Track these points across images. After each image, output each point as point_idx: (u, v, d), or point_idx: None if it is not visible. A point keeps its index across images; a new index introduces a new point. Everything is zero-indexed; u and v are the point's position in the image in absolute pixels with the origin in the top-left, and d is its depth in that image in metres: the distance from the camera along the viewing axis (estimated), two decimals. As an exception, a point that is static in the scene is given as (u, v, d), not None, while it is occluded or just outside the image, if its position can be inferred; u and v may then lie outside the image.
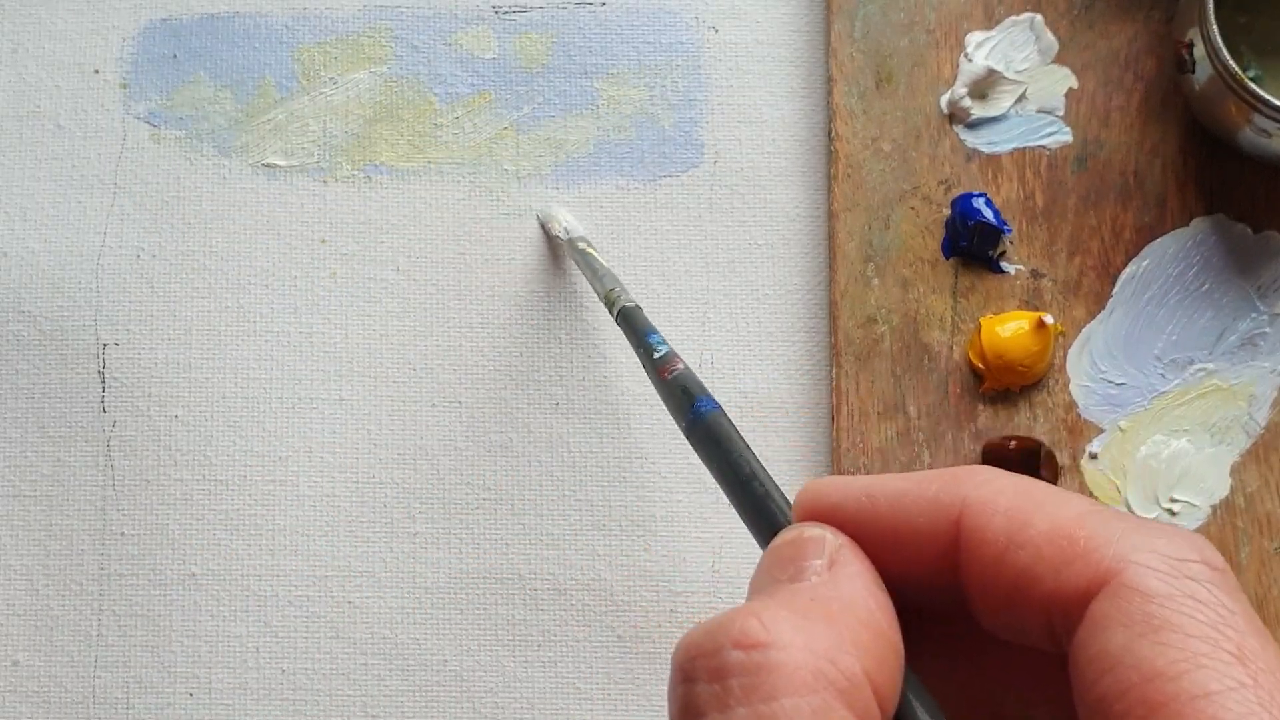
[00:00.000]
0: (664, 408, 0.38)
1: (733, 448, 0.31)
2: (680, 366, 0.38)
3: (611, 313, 0.47)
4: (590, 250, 0.53)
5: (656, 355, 0.40)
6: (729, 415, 0.33)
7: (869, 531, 0.24)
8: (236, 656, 0.54)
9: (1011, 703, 0.25)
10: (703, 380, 0.37)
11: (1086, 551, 0.22)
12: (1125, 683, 0.20)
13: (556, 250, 0.56)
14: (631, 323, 0.45)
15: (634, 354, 0.55)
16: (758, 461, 0.30)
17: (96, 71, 0.58)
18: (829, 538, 0.23)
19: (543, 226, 0.56)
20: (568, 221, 0.55)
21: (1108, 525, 0.22)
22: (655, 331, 0.43)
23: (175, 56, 0.58)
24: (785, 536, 0.24)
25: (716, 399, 0.34)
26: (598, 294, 0.49)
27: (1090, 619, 0.21)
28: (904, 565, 0.23)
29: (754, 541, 0.27)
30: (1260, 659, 0.20)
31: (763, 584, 0.23)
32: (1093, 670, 0.21)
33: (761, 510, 0.27)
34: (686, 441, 0.34)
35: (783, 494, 0.28)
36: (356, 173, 0.57)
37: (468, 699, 0.53)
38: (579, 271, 0.56)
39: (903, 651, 0.22)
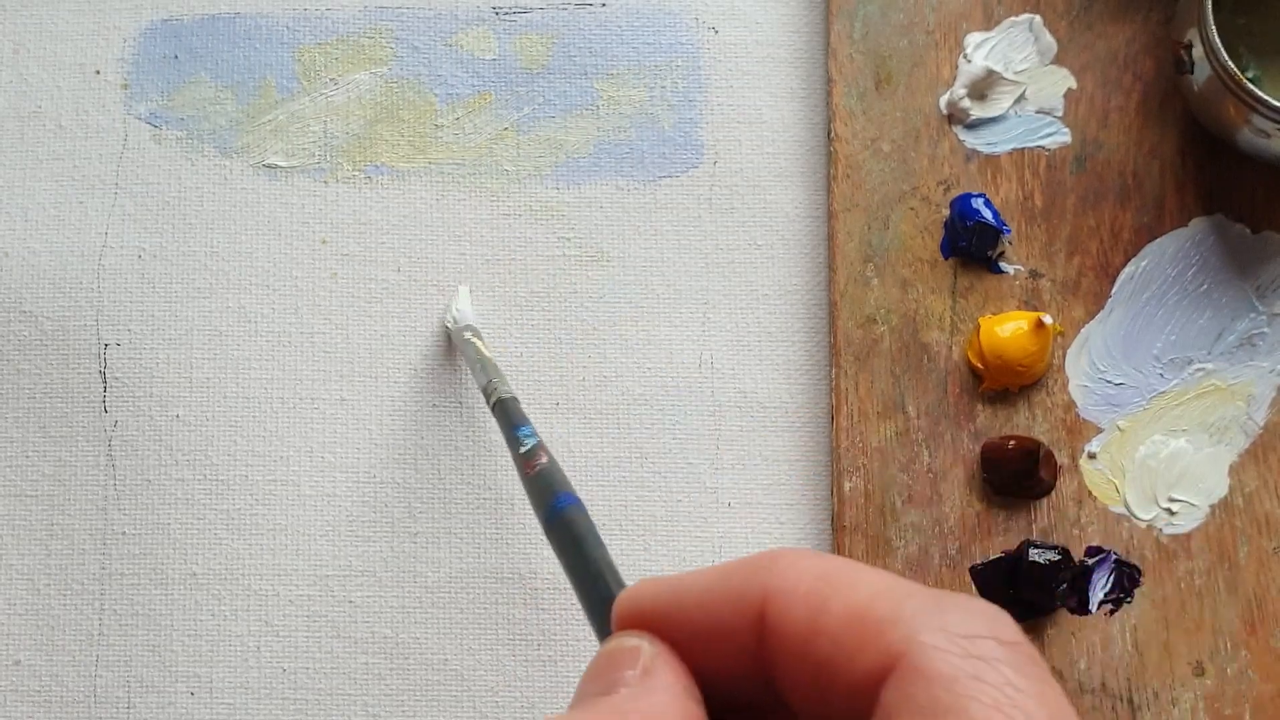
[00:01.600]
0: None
1: (584, 545, 0.32)
2: (543, 460, 0.41)
3: (488, 403, 0.49)
4: (476, 340, 0.53)
5: (522, 450, 0.43)
6: (587, 512, 0.35)
7: (681, 632, 0.23)
8: (237, 655, 0.54)
9: None
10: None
11: (877, 634, 0.21)
12: None
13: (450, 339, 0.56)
14: (506, 415, 0.47)
15: (634, 356, 0.56)
16: (607, 561, 0.30)
17: (98, 72, 0.58)
18: (645, 647, 0.23)
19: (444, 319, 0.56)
20: (458, 310, 0.55)
21: (900, 603, 0.21)
22: (526, 424, 0.45)
23: (176, 57, 0.58)
24: (604, 648, 0.24)
25: (577, 495, 0.36)
26: (478, 384, 0.51)
27: (881, 706, 0.21)
28: (719, 661, 0.23)
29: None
30: None
31: (577, 698, 0.23)
32: None
33: (602, 610, 0.28)
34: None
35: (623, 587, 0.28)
36: (357, 173, 0.57)
37: (468, 698, 0.53)
38: (582, 270, 0.56)
39: None
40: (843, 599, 0.22)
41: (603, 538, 0.33)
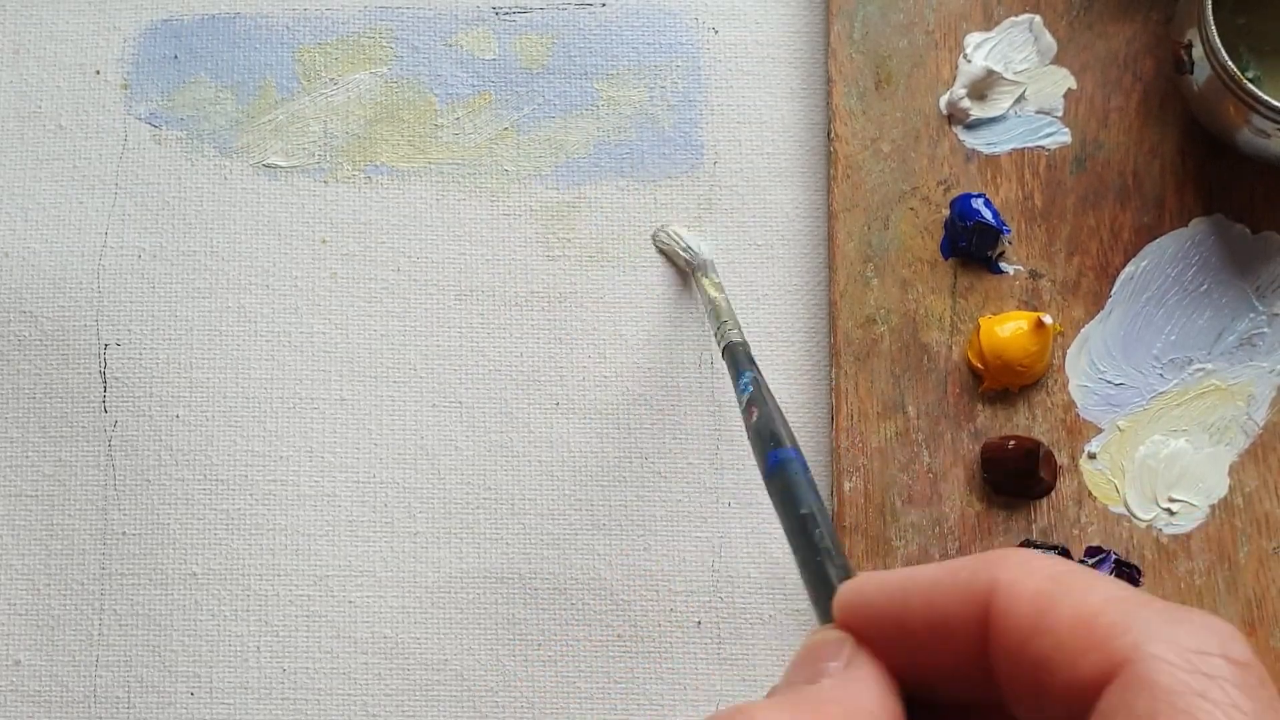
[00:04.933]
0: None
1: (794, 510, 0.32)
2: (756, 413, 0.39)
3: (719, 346, 0.48)
4: (705, 279, 0.53)
5: (742, 398, 0.41)
6: (800, 469, 0.34)
7: (905, 624, 0.23)
8: (237, 655, 0.54)
9: None
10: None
11: (1105, 640, 0.21)
12: None
13: (683, 275, 0.56)
14: (733, 360, 0.46)
15: (634, 356, 0.56)
16: (821, 536, 0.30)
17: (98, 72, 0.58)
18: (849, 641, 0.24)
19: (661, 251, 0.56)
20: (691, 246, 0.55)
21: (1131, 613, 0.21)
22: (749, 371, 0.43)
23: (176, 57, 0.58)
24: (809, 640, 0.24)
25: (794, 448, 0.35)
26: (710, 328, 0.50)
27: (1100, 711, 0.21)
28: (941, 656, 0.23)
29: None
30: None
31: (783, 684, 0.24)
32: None
33: (819, 591, 0.28)
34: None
35: (843, 559, 0.29)
36: (357, 173, 0.57)
37: (468, 698, 0.53)
38: (582, 270, 0.56)
39: None
40: (1073, 601, 0.22)
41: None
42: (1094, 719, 0.21)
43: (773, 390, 0.55)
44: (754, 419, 0.40)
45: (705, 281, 0.53)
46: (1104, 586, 0.22)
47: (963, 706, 0.24)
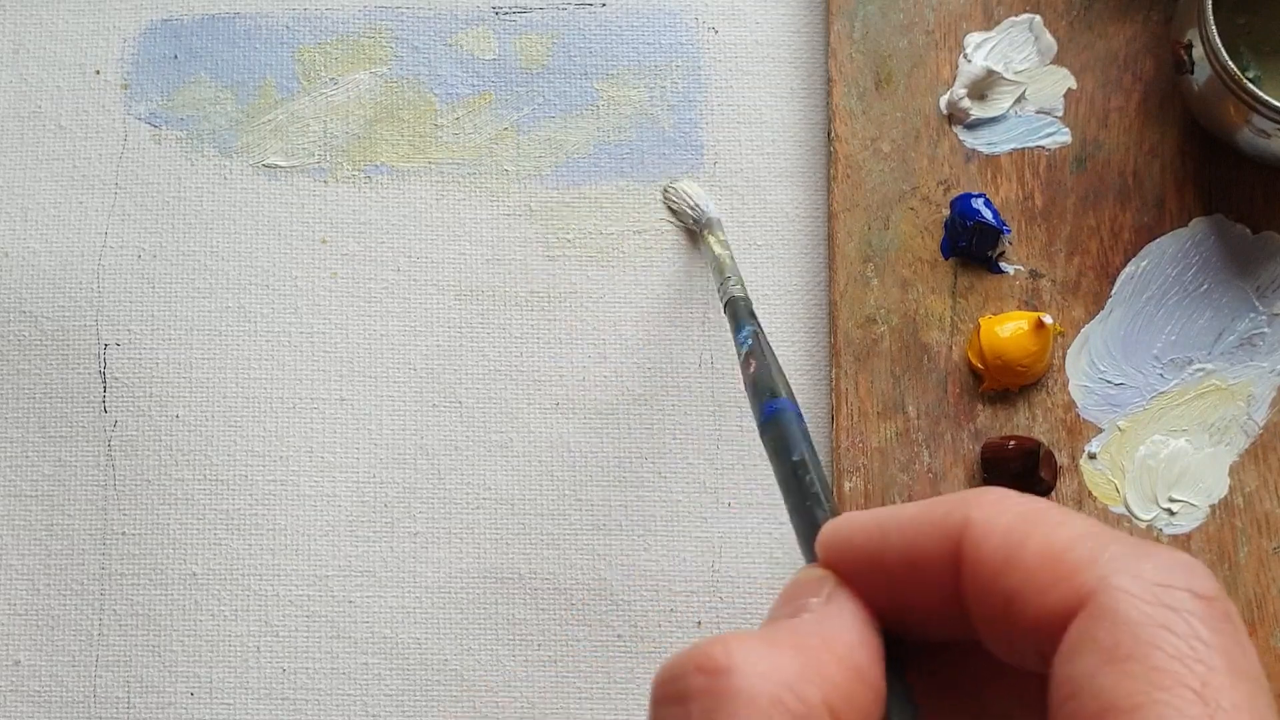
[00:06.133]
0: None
1: (786, 459, 0.32)
2: (753, 365, 0.40)
3: (721, 301, 0.49)
4: (710, 237, 0.53)
5: (741, 351, 0.42)
6: (794, 420, 0.35)
7: (883, 562, 0.24)
8: (237, 656, 0.54)
9: None
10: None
11: (1071, 574, 0.21)
12: (1084, 711, 0.20)
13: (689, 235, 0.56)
14: (733, 314, 0.47)
15: (634, 356, 0.56)
16: (811, 480, 0.31)
17: (98, 72, 0.58)
18: (830, 577, 0.24)
19: (669, 208, 0.56)
20: (696, 203, 0.55)
21: (1098, 547, 0.21)
22: (748, 325, 0.44)
23: (176, 57, 0.58)
24: (794, 578, 0.25)
25: (789, 401, 0.36)
26: (715, 283, 0.51)
27: (1065, 643, 0.21)
28: (918, 591, 0.23)
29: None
30: (1226, 696, 0.20)
31: (768, 619, 0.24)
32: (1059, 695, 0.21)
33: (807, 535, 0.29)
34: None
35: (831, 503, 0.29)
36: (357, 173, 0.57)
37: (468, 698, 0.53)
38: (582, 270, 0.56)
39: (883, 692, 0.22)
40: (1042, 535, 0.22)
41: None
42: (1061, 651, 0.21)
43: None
44: (752, 369, 0.40)
45: (711, 239, 0.53)
46: (1074, 522, 0.22)
47: (943, 644, 0.24)
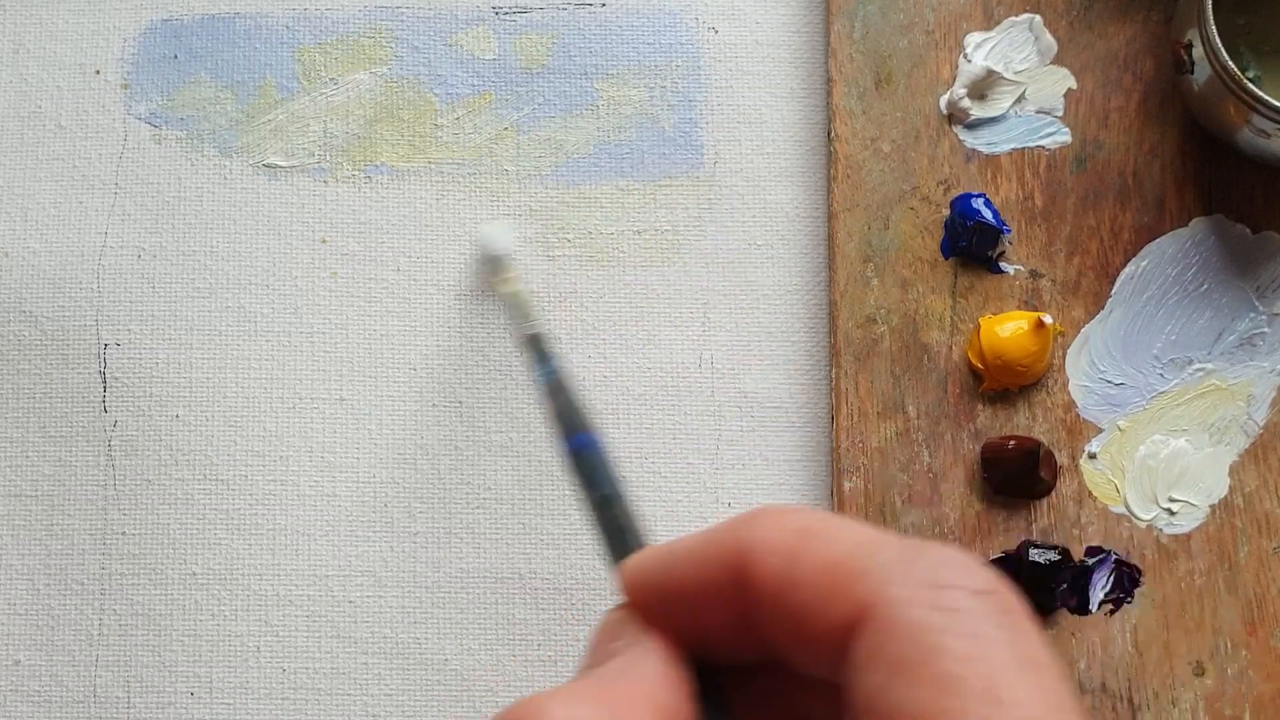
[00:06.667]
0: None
1: (590, 493, 0.34)
2: (556, 400, 0.43)
3: (520, 337, 0.50)
4: (502, 276, 0.54)
5: (541, 387, 0.45)
6: (595, 453, 0.37)
7: (675, 594, 0.24)
8: (237, 655, 0.54)
9: None
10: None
11: (847, 587, 0.21)
12: None
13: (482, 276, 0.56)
14: (531, 351, 0.49)
15: (634, 356, 0.56)
16: (612, 516, 0.32)
17: (98, 72, 0.58)
18: (632, 620, 0.24)
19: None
20: (487, 239, 0.55)
21: (869, 555, 0.21)
22: (547, 362, 0.47)
23: (176, 57, 0.58)
24: (599, 622, 0.25)
25: (588, 434, 0.38)
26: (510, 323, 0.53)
27: (851, 659, 0.21)
28: (713, 619, 0.23)
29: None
30: (1014, 690, 0.19)
31: (578, 670, 0.24)
32: (854, 710, 0.20)
33: (613, 550, 0.30)
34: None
35: (638, 538, 0.30)
36: (357, 173, 0.57)
37: (468, 698, 0.53)
38: (582, 270, 0.56)
39: None
40: (817, 551, 0.22)
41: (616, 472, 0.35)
42: (850, 665, 0.21)
43: (772, 390, 0.55)
44: (556, 403, 0.42)
45: (503, 280, 0.53)
46: (848, 534, 0.22)
47: (755, 667, 0.24)
